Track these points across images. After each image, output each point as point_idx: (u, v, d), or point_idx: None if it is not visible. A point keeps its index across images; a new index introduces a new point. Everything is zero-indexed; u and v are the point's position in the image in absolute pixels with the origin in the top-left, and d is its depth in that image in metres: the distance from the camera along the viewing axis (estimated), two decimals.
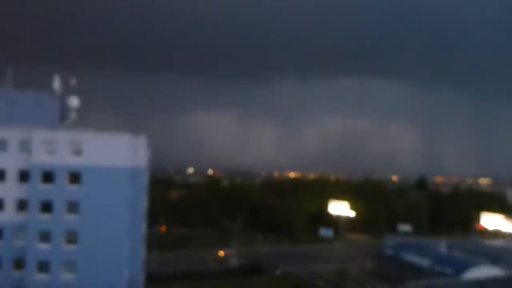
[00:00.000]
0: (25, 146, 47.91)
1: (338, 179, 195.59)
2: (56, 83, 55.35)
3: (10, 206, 47.41)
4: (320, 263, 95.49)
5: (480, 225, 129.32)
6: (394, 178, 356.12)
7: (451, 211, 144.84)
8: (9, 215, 47.24)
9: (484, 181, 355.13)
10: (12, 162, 47.64)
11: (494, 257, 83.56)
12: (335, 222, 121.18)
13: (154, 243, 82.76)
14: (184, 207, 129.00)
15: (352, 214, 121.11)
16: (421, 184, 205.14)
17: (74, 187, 47.84)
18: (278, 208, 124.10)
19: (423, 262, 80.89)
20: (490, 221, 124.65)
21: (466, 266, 74.68)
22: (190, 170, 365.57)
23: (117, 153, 49.22)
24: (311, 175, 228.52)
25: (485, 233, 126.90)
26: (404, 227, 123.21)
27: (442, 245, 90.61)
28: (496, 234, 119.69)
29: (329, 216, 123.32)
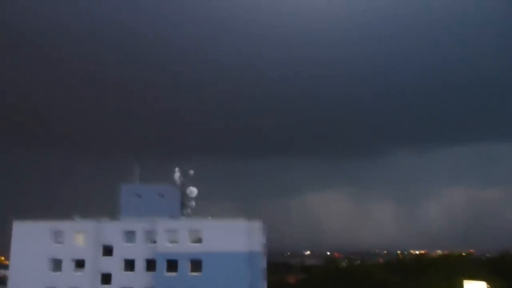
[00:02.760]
0: (150, 236, 50.86)
1: (470, 255, 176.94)
2: (176, 175, 59.33)
3: None
4: None
5: None
6: None
7: None
8: None
9: None
10: (139, 251, 50.59)
11: None
12: None
13: None
14: None
15: None
16: None
17: (195, 274, 49.01)
18: None
19: None
20: None
21: None
22: (307, 253, 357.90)
23: (234, 238, 50.02)
24: (438, 253, 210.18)
25: None
26: None
27: None
28: None
29: None
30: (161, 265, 49.49)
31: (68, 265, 50.78)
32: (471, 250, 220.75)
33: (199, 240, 50.05)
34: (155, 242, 50.41)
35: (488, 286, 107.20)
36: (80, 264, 50.88)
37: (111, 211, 55.64)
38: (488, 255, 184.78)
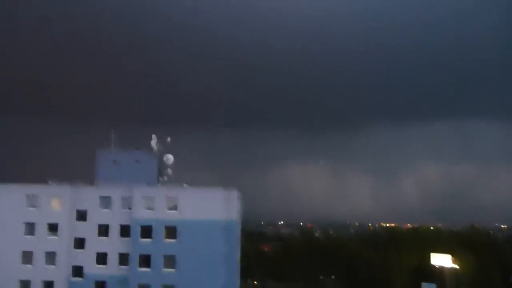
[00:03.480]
0: (126, 203, 50.86)
1: (438, 229, 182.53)
2: (153, 142, 59.00)
3: (112, 259, 49.94)
4: None
5: None
6: (504, 226, 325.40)
7: None
8: (112, 268, 49.68)
9: None
10: (114, 217, 50.65)
11: None
12: (438, 276, 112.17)
13: None
14: (276, 260, 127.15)
15: (457, 266, 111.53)
16: None
17: (170, 241, 49.47)
18: (374, 261, 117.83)
19: None
20: None
21: None
22: (281, 222, 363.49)
23: (210, 206, 50.44)
24: (409, 226, 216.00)
25: None
26: None
27: None
28: None
29: (431, 270, 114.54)
30: (136, 231, 49.74)
31: (42, 230, 50.58)
32: (439, 224, 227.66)
33: (175, 208, 50.32)
34: (130, 208, 50.48)
35: (453, 258, 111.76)
36: (54, 228, 50.71)
37: (88, 177, 55.34)
38: (457, 229, 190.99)
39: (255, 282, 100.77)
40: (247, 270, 73.05)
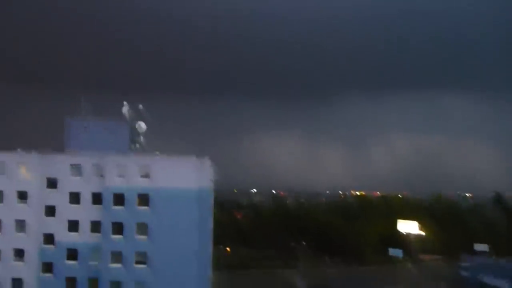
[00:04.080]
0: (97, 170, 50.41)
1: (407, 197, 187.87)
2: (125, 109, 58.18)
3: (84, 227, 49.81)
4: (391, 285, 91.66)
5: None
6: (468, 195, 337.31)
7: None
8: (84, 236, 49.61)
9: None
10: (86, 185, 50.23)
11: None
12: (405, 242, 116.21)
13: (220, 263, 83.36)
14: (248, 228, 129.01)
15: (422, 233, 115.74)
16: (498, 200, 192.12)
17: (143, 208, 49.56)
18: (344, 228, 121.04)
19: (503, 284, 75.59)
20: None
21: None
22: (255, 191, 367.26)
23: (183, 175, 50.50)
24: (378, 194, 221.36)
25: None
26: (481, 247, 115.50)
27: None
28: None
29: (398, 236, 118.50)
30: (108, 199, 49.55)
31: (12, 197, 49.82)
32: (408, 193, 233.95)
33: (147, 176, 50.20)
34: (102, 176, 50.10)
35: (420, 225, 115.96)
36: (24, 196, 50.01)
37: (58, 144, 54.39)
38: (424, 198, 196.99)
39: (227, 249, 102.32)
40: (219, 238, 73.95)
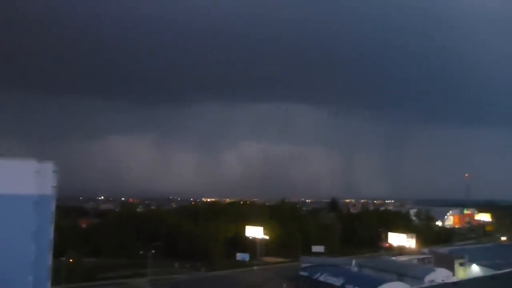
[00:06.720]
0: None
1: (254, 203, 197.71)
2: None
3: None
4: (237, 287, 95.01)
5: (387, 243, 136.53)
6: (309, 200, 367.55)
7: (361, 230, 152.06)
8: None
9: (391, 202, 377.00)
10: None
11: (401, 274, 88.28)
12: (252, 246, 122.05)
13: (61, 276, 77.97)
14: (95, 236, 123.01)
15: (267, 237, 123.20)
16: (333, 205, 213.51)
17: None
18: (194, 233, 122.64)
19: (336, 281, 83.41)
20: (396, 238, 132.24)
21: (376, 283, 78.03)
22: (101, 197, 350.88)
23: (21, 180, 46.46)
24: (227, 201, 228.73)
25: (391, 250, 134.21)
26: (318, 248, 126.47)
27: (353, 264, 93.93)
28: (401, 250, 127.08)
29: (246, 240, 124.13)
30: None
31: None
32: (256, 199, 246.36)
33: None
34: None
35: (264, 229, 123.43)
36: None
37: None
38: (270, 203, 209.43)
39: (70, 260, 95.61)
40: (62, 247, 69.11)
